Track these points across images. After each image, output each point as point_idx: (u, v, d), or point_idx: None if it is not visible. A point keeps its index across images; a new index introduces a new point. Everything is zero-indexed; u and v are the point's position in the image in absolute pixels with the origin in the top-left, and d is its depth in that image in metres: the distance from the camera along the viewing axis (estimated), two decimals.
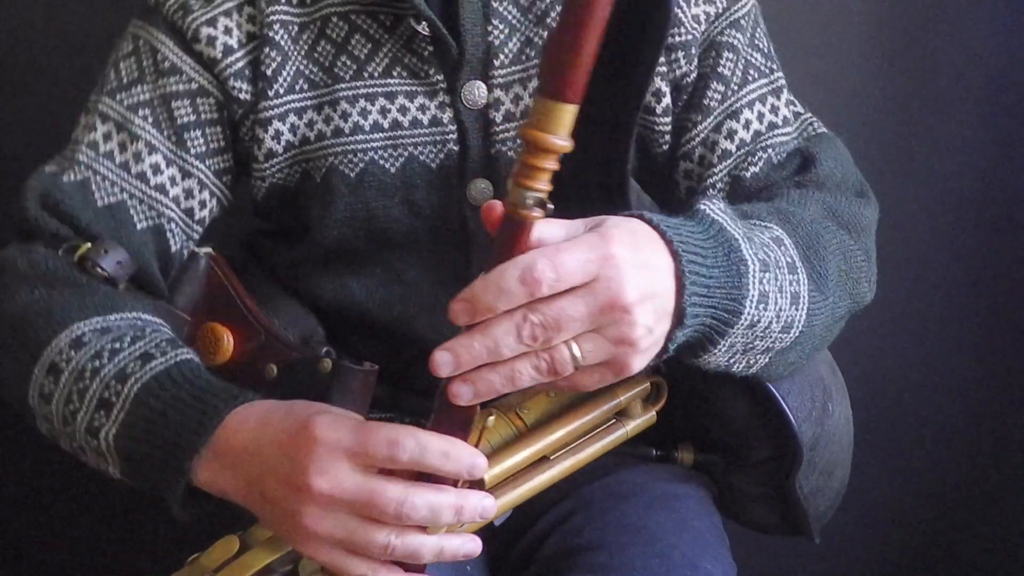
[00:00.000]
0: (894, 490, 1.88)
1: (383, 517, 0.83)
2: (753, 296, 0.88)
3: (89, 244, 1.06)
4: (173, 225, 1.11)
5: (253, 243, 1.23)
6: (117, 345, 0.97)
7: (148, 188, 1.09)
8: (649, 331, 0.81)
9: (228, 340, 1.09)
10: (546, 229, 0.80)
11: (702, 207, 0.90)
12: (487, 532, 1.14)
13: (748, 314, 0.88)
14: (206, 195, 1.13)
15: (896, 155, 1.74)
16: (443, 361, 0.78)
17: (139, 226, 1.09)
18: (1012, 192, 1.76)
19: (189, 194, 1.11)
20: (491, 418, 0.85)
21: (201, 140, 1.11)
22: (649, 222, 0.84)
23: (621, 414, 1.04)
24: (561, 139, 0.73)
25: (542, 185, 0.75)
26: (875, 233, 1.10)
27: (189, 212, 1.12)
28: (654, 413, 1.06)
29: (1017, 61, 1.71)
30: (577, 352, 0.79)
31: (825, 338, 1.03)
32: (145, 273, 1.09)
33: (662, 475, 1.15)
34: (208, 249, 1.15)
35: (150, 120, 1.09)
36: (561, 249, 0.77)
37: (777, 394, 1.05)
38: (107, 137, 1.10)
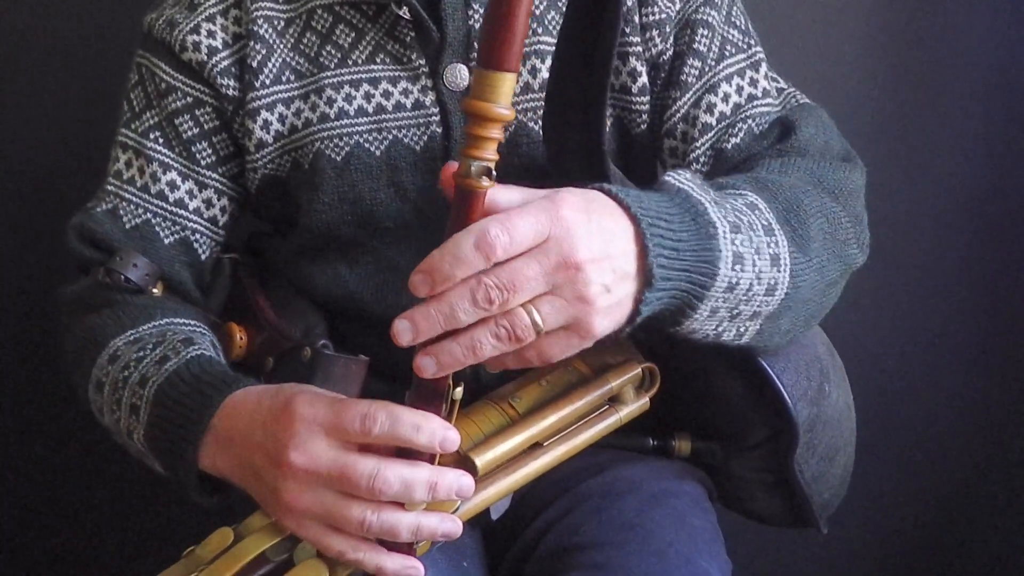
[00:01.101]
0: (893, 488, 1.87)
1: (356, 491, 0.85)
2: (727, 257, 0.88)
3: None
4: (198, 236, 1.17)
5: (254, 243, 1.27)
6: (141, 354, 1.05)
7: (168, 205, 1.16)
8: (606, 289, 0.81)
9: (241, 338, 1.15)
10: (502, 194, 0.82)
11: (667, 177, 0.91)
12: (484, 529, 1.14)
13: (724, 275, 0.88)
14: (225, 201, 1.18)
15: (896, 155, 1.74)
16: (402, 328, 0.81)
17: (166, 241, 1.16)
18: (1012, 192, 1.76)
19: (209, 204, 1.17)
20: (458, 390, 0.86)
21: (209, 150, 1.16)
22: (608, 192, 0.85)
23: (614, 400, 1.04)
24: (502, 107, 0.77)
25: (488, 154, 0.79)
26: (864, 197, 1.10)
27: (213, 220, 1.18)
28: (647, 399, 1.05)
29: (1017, 61, 1.71)
30: (536, 316, 0.80)
31: (820, 303, 1.02)
32: (178, 283, 1.16)
33: (658, 472, 1.15)
34: (233, 255, 1.22)
35: (160, 141, 1.16)
36: (513, 214, 0.79)
37: (772, 372, 1.05)
38: (128, 165, 1.17)
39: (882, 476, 1.83)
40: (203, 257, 1.18)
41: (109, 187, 1.17)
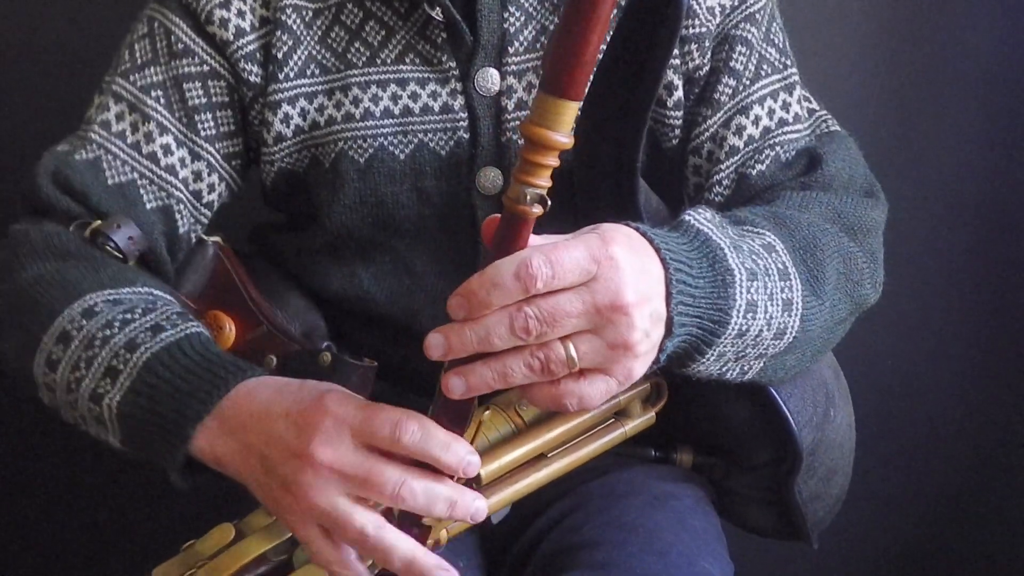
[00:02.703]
0: (893, 492, 1.88)
1: (379, 496, 0.84)
2: (740, 306, 0.87)
3: (100, 220, 1.08)
4: (182, 207, 1.12)
5: (260, 235, 1.24)
6: (128, 316, 0.98)
7: (158, 168, 1.11)
8: (646, 335, 0.80)
9: (230, 328, 1.11)
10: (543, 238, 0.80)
11: (687, 217, 0.90)
12: (485, 530, 1.14)
13: (735, 324, 0.88)
14: (215, 178, 1.14)
15: (896, 155, 1.73)
16: (435, 343, 0.79)
17: (148, 206, 1.11)
18: (1012, 192, 1.76)
19: (198, 176, 1.13)
20: (487, 412, 0.86)
21: (212, 123, 1.12)
22: (637, 230, 0.84)
23: (620, 414, 1.04)
24: (563, 136, 0.74)
25: (542, 181, 0.75)
26: (882, 234, 1.10)
27: (197, 194, 1.13)
28: (653, 414, 1.06)
29: (1017, 61, 1.71)
30: (573, 352, 0.78)
31: (827, 340, 1.02)
32: (153, 253, 1.11)
33: (661, 474, 1.15)
34: (216, 238, 1.16)
35: (162, 101, 1.11)
36: (560, 246, 0.77)
37: (779, 398, 1.04)
38: (120, 117, 1.11)
39: (882, 479, 1.83)
40: (181, 231, 1.13)
41: (93, 136, 1.11)
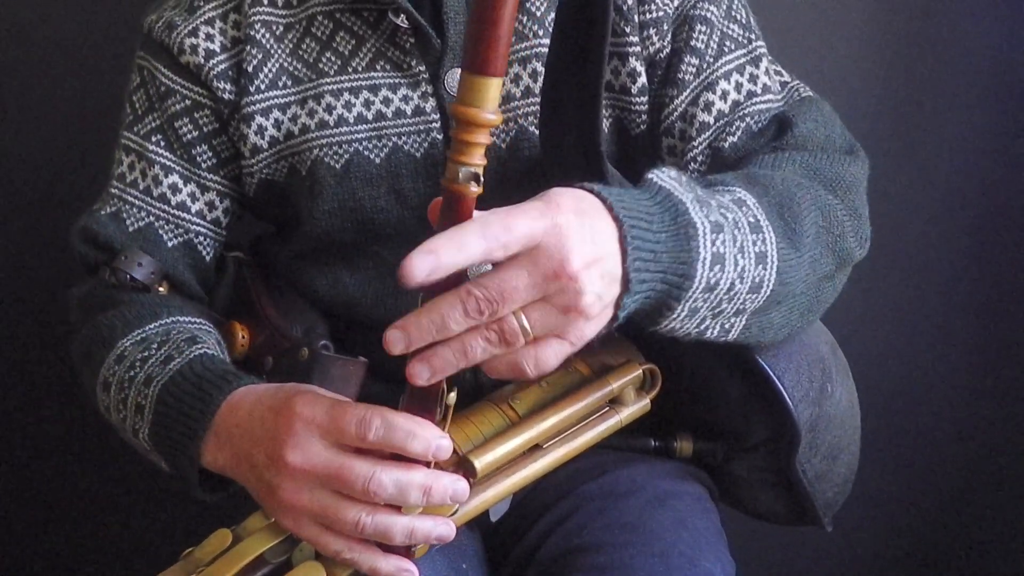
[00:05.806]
0: (895, 487, 1.87)
1: (352, 492, 0.86)
2: (705, 259, 0.86)
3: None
4: (202, 238, 1.18)
5: (258, 244, 1.27)
6: (146, 353, 1.06)
7: (171, 208, 1.17)
8: (598, 297, 0.80)
9: (243, 336, 1.16)
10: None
11: (650, 175, 0.90)
12: (485, 531, 1.14)
13: (702, 277, 0.86)
14: (228, 203, 1.19)
15: (896, 155, 1.73)
16: (395, 338, 0.81)
17: (170, 244, 1.17)
18: (1012, 192, 1.76)
19: (211, 206, 1.18)
20: (452, 395, 0.86)
21: (209, 153, 1.16)
22: (591, 191, 0.84)
23: (614, 402, 1.03)
24: (489, 113, 0.77)
25: (476, 160, 0.78)
26: (865, 190, 1.09)
27: (216, 222, 1.19)
28: (648, 400, 1.05)
29: (1017, 61, 1.71)
30: (525, 323, 0.79)
31: (814, 298, 1.00)
32: (181, 283, 1.17)
33: (661, 473, 1.15)
34: (237, 253, 1.23)
35: (162, 144, 1.16)
36: (499, 216, 0.78)
37: (772, 374, 1.04)
38: (131, 167, 1.18)
39: (883, 474, 1.83)
40: (207, 258, 1.19)
41: (113, 190, 1.18)
